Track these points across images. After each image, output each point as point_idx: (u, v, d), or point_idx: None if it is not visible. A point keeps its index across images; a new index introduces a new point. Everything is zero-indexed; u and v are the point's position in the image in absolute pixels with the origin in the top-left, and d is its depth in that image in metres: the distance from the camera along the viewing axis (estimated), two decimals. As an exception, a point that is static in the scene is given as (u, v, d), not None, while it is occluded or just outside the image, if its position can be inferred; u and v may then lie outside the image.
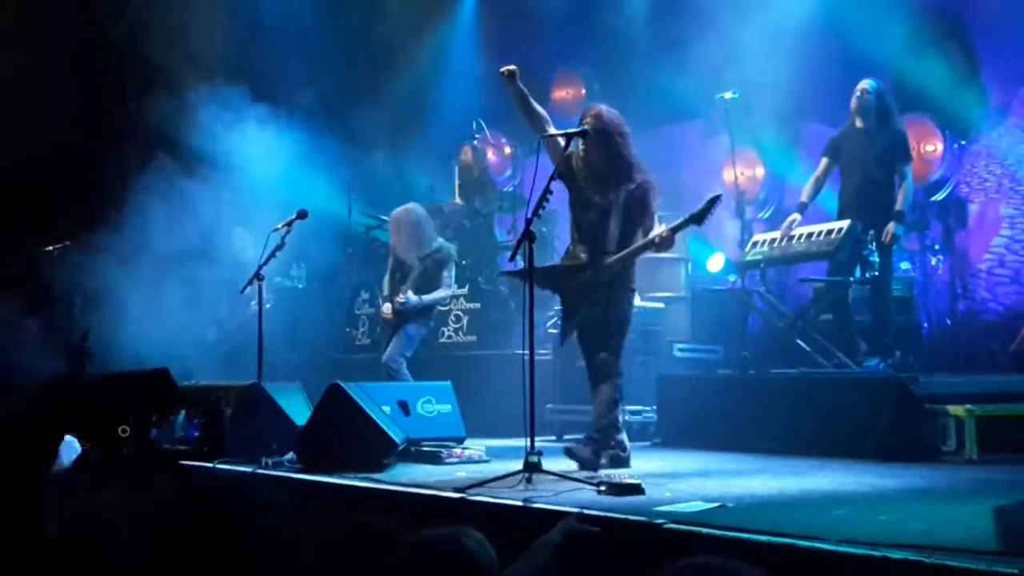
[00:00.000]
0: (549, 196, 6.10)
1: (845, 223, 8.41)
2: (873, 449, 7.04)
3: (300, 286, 12.28)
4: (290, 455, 6.96)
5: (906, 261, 9.70)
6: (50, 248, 10.51)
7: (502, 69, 6.67)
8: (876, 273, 8.35)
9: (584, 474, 6.09)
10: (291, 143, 11.11)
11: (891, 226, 8.46)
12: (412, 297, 8.98)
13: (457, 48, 12.97)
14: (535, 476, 5.72)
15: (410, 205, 9.38)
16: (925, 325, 9.51)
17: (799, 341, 8.48)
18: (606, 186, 6.67)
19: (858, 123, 8.71)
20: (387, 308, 9.11)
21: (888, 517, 4.44)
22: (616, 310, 6.71)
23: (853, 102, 8.67)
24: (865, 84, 8.67)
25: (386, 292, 9.26)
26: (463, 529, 2.73)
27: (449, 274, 9.19)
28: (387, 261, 9.49)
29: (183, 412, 7.49)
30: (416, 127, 11.78)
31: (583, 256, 6.75)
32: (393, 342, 9.04)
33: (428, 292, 9.05)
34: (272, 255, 8.43)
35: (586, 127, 6.55)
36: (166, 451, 7.06)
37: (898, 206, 8.54)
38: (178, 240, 10.64)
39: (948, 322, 9.91)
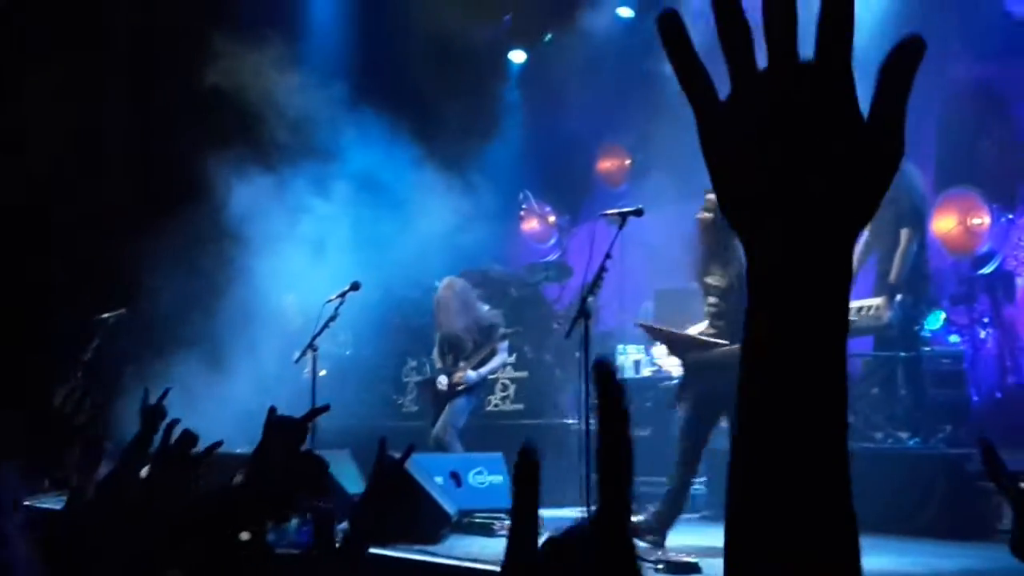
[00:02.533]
0: (604, 274, 6.19)
1: (897, 297, 8.43)
2: (927, 526, 7.01)
3: (347, 352, 12.38)
4: (344, 525, 7.00)
5: (955, 335, 9.69)
6: (106, 316, 10.64)
7: None
8: (928, 348, 8.34)
9: (643, 548, 6.10)
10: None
11: (878, 301, 8.41)
12: (472, 374, 9.05)
13: (503, 120, 13.12)
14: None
15: (449, 279, 9.45)
16: (975, 399, 9.47)
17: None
18: (723, 267, 6.70)
19: None
20: (443, 381, 9.14)
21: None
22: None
23: None
24: None
25: (439, 365, 9.32)
26: None
27: (502, 346, 9.25)
28: (435, 334, 9.53)
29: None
30: (465, 196, 11.90)
31: (712, 332, 6.78)
32: (444, 414, 9.05)
33: (479, 362, 9.09)
34: (326, 326, 8.54)
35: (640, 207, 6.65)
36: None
37: (891, 278, 8.48)
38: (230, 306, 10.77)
39: (998, 395, 9.86)
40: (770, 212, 0.91)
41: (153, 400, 3.85)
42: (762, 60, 0.93)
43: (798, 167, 0.90)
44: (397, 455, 6.81)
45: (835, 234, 0.91)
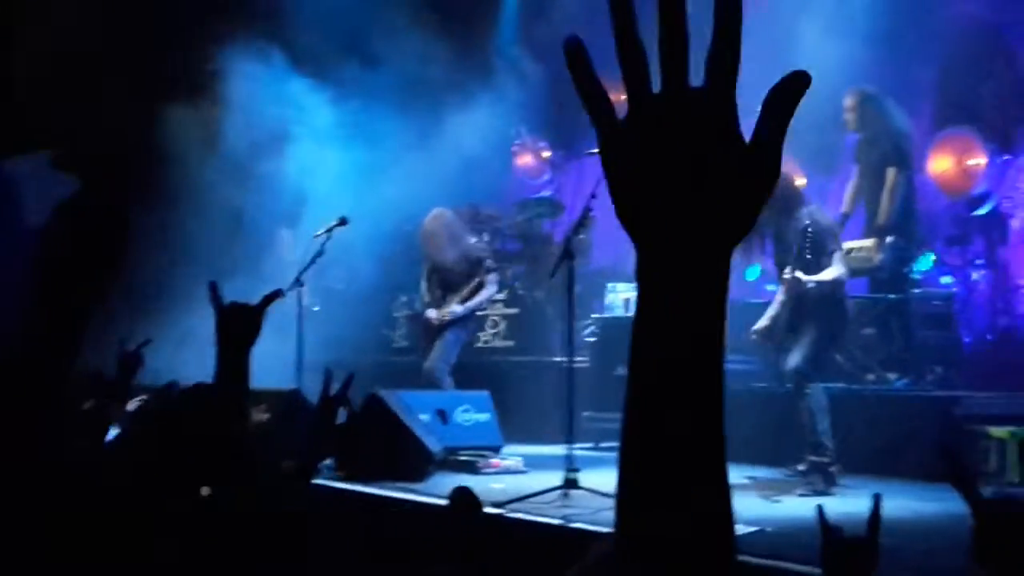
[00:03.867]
0: (590, 214, 6.12)
1: (888, 238, 8.37)
2: (913, 468, 6.99)
3: (338, 286, 12.33)
4: (329, 462, 6.99)
5: (948, 276, 9.63)
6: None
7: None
8: (919, 290, 8.31)
9: None
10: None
11: (868, 242, 8.45)
12: (457, 308, 8.94)
13: (498, 54, 12.93)
14: (573, 492, 5.74)
15: (437, 210, 9.33)
16: (966, 341, 9.44)
17: (838, 357, 8.44)
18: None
19: (859, 135, 8.78)
20: (432, 315, 9.06)
21: (928, 547, 4.42)
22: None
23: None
24: (846, 101, 8.68)
25: (426, 299, 9.23)
26: None
27: (489, 275, 9.15)
28: (421, 267, 9.44)
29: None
30: (458, 130, 11.77)
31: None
32: (436, 349, 8.92)
33: (467, 294, 9.00)
34: (312, 261, 8.47)
35: None
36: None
37: (879, 220, 8.47)
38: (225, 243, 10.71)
39: (989, 337, 9.83)
40: (657, 222, 1.00)
41: (132, 348, 3.85)
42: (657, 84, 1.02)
43: (683, 182, 1.00)
44: (384, 397, 6.77)
45: (713, 243, 1.01)
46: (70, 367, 2.00)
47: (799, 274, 6.74)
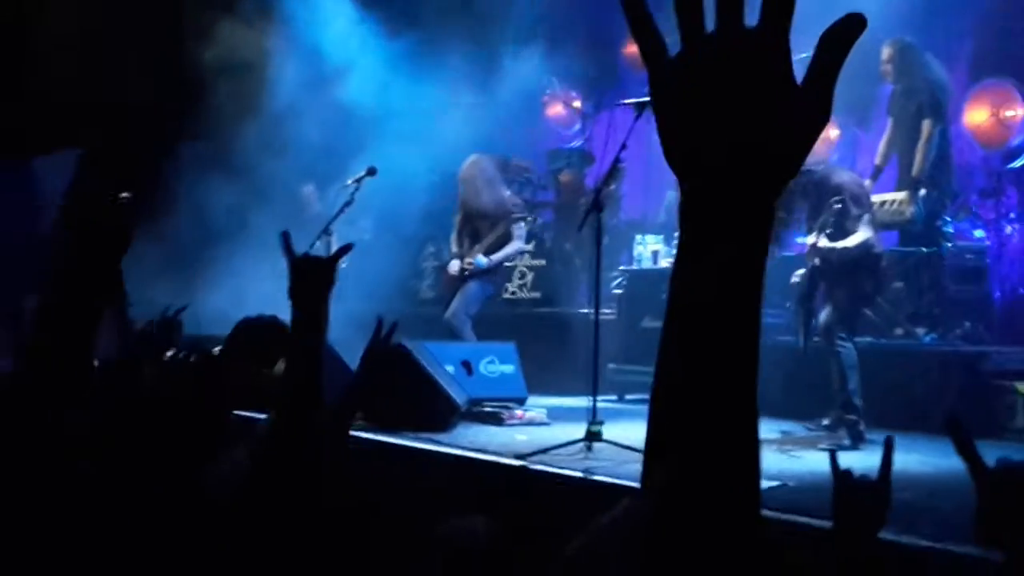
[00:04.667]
0: (620, 165, 6.08)
1: (921, 191, 8.29)
2: (939, 423, 6.94)
3: (366, 237, 12.33)
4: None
5: (980, 229, 9.52)
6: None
7: None
8: (951, 244, 8.24)
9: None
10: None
11: (901, 195, 8.38)
12: (482, 259, 8.85)
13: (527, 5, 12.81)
14: (596, 445, 5.75)
15: (475, 156, 9.27)
16: (997, 295, 9.35)
17: (867, 311, 8.37)
18: None
19: (895, 86, 8.67)
20: (455, 266, 9.00)
21: (950, 506, 4.40)
22: None
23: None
24: (883, 53, 8.56)
25: (454, 249, 9.16)
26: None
27: (519, 229, 9.09)
28: (454, 217, 9.42)
29: None
30: (488, 78, 11.68)
31: None
32: (457, 299, 8.86)
33: (497, 249, 8.97)
34: (341, 211, 8.47)
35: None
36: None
37: (913, 172, 8.40)
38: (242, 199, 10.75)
39: (1022, 291, 9.73)
40: (706, 161, 1.00)
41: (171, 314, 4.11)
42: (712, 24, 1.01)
43: (733, 121, 0.99)
44: (410, 347, 6.77)
45: (761, 183, 1.00)
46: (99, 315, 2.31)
47: (823, 241, 6.71)
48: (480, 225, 9.04)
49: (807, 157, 1.02)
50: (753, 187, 0.99)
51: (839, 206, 6.66)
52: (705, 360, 0.99)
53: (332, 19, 11.69)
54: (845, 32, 1.00)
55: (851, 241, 6.70)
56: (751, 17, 1.01)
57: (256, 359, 4.53)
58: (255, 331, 4.66)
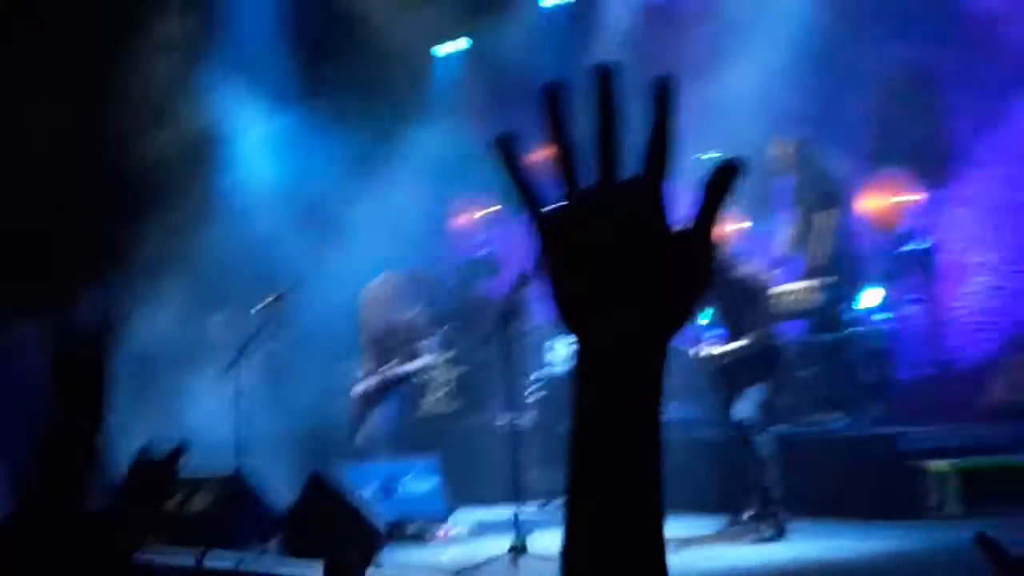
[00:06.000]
0: (526, 278, 6.15)
1: (826, 280, 8.53)
2: (856, 507, 7.03)
3: (275, 360, 12.19)
4: (273, 543, 6.90)
5: (884, 312, 9.74)
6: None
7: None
8: (855, 328, 8.43)
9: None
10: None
11: (804, 284, 8.66)
12: (389, 375, 8.71)
13: (431, 115, 12.97)
14: (522, 558, 5.71)
15: (387, 274, 9.10)
16: (905, 376, 9.54)
17: (780, 399, 8.48)
18: None
19: (794, 179, 8.96)
20: (359, 389, 8.82)
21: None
22: None
23: None
24: (779, 147, 8.87)
25: (360, 373, 8.98)
26: None
27: (429, 344, 8.98)
28: (360, 337, 9.22)
29: None
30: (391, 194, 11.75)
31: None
32: (367, 425, 8.65)
33: (402, 361, 8.79)
34: (251, 340, 8.34)
35: None
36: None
37: (816, 260, 8.68)
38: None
39: (926, 372, 9.94)
40: (593, 315, 1.01)
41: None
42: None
43: (616, 276, 1.00)
44: (326, 477, 6.62)
45: (651, 334, 1.01)
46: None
47: (716, 349, 6.90)
48: (386, 345, 8.89)
49: (699, 301, 1.03)
50: (642, 338, 1.00)
51: (722, 304, 6.87)
52: (605, 500, 1.00)
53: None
54: (722, 178, 1.02)
55: (745, 341, 6.85)
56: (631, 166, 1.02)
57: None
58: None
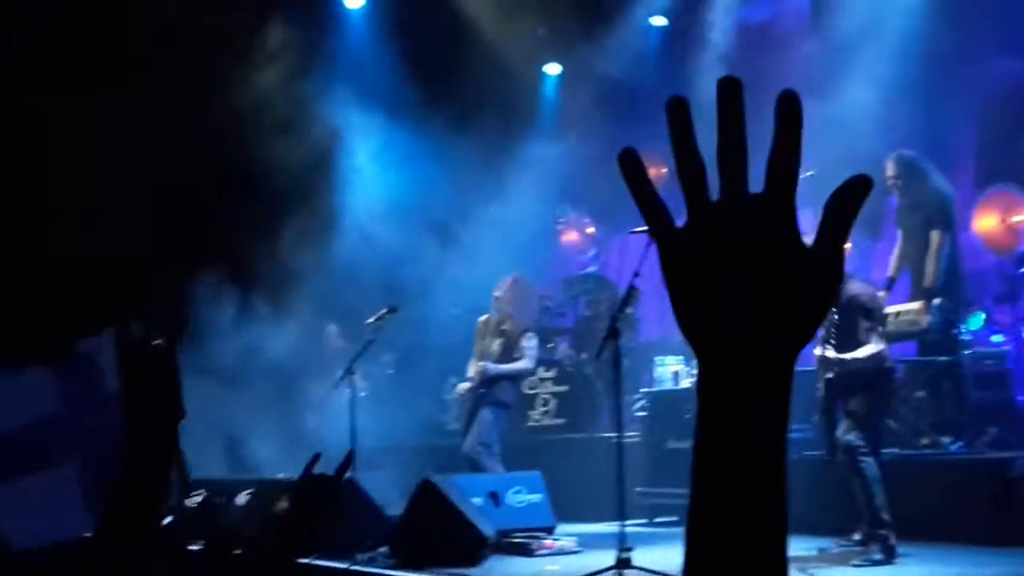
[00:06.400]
0: (635, 292, 6.19)
1: (935, 301, 8.37)
2: (971, 533, 6.92)
3: (389, 371, 12.42)
4: (384, 549, 7.05)
5: (998, 334, 9.55)
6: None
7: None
8: (970, 351, 8.27)
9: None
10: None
11: (915, 305, 8.45)
12: (491, 366, 8.78)
13: (539, 132, 13.09)
14: (627, 572, 5.75)
15: (515, 276, 9.19)
16: (1020, 399, 9.33)
17: (890, 422, 8.37)
18: None
19: (901, 200, 8.81)
20: (462, 386, 8.99)
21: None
22: None
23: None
24: (888, 168, 8.70)
25: (471, 373, 9.06)
26: None
27: (530, 344, 8.97)
28: (476, 345, 9.36)
29: None
30: (502, 210, 11.87)
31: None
32: (473, 430, 8.76)
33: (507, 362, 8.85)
34: (364, 349, 8.57)
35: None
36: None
37: (925, 282, 8.50)
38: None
39: (1045, 396, 9.71)
40: (719, 333, 0.99)
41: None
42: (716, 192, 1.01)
43: (744, 292, 0.98)
44: (437, 482, 6.80)
45: (777, 352, 0.99)
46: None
47: (829, 352, 6.77)
48: (503, 339, 8.96)
49: (823, 318, 1.01)
50: (768, 357, 0.99)
51: (836, 317, 6.73)
52: (730, 526, 0.99)
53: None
54: (852, 193, 1.00)
55: (861, 353, 6.72)
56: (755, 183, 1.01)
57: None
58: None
